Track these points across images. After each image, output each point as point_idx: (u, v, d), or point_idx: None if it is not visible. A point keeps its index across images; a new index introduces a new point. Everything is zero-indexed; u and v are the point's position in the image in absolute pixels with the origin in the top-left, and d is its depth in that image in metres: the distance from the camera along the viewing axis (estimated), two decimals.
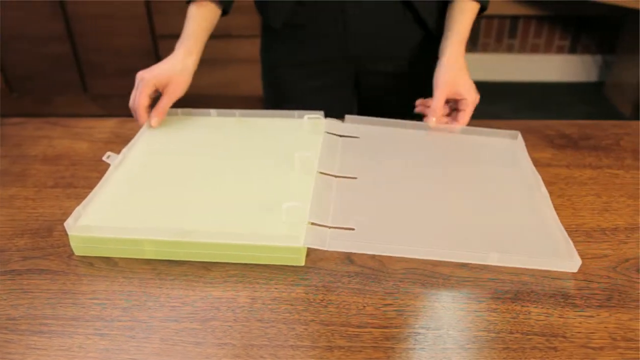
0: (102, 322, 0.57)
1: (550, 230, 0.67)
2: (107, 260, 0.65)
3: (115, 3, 2.25)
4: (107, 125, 0.94)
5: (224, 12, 0.95)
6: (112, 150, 0.87)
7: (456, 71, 0.86)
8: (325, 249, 0.63)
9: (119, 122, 0.95)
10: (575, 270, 0.62)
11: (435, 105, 0.85)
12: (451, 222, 0.68)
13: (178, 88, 0.87)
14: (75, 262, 0.65)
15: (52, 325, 0.57)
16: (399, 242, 0.63)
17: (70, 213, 0.73)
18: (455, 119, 0.87)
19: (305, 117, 0.86)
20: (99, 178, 0.80)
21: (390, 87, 1.04)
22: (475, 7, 0.91)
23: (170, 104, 0.87)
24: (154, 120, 0.85)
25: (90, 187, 0.78)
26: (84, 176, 0.81)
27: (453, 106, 0.89)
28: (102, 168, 0.82)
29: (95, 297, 0.60)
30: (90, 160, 0.85)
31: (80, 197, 0.76)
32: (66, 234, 0.69)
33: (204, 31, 0.91)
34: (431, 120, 0.85)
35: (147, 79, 0.84)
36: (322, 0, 0.92)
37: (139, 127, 0.86)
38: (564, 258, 0.63)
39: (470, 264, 0.64)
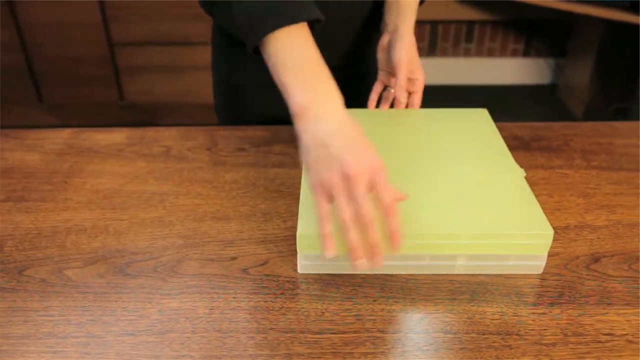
0: (55, 339, 0.56)
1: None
2: (61, 275, 0.64)
3: (70, 11, 2.20)
4: (61, 136, 0.92)
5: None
6: (65, 162, 0.85)
7: (413, 48, 0.85)
8: None
9: (73, 132, 0.93)
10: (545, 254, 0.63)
11: (402, 82, 0.84)
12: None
13: None
14: (26, 279, 0.63)
15: (2, 345, 0.55)
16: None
17: (22, 227, 0.71)
18: (409, 102, 0.86)
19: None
20: (52, 191, 0.78)
21: (357, 90, 1.03)
22: None
23: None
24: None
25: (43, 200, 0.76)
26: (36, 189, 0.79)
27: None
28: (55, 180, 0.80)
29: (48, 314, 0.59)
30: (42, 173, 0.82)
31: (32, 211, 0.74)
32: (17, 250, 0.67)
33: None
34: (400, 96, 0.84)
35: (384, 174, 0.54)
36: None
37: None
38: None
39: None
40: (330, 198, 0.53)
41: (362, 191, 0.52)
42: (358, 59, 1.00)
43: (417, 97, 0.87)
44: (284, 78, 0.56)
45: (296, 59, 0.56)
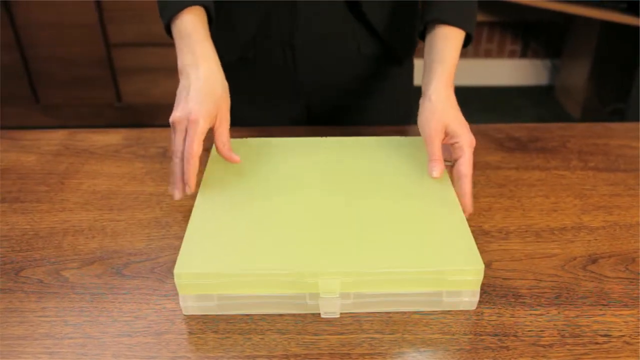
0: (51, 340, 0.56)
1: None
2: (57, 276, 0.63)
3: (66, 11, 2.20)
4: (56, 137, 0.92)
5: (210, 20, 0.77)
6: (61, 163, 0.85)
7: (446, 110, 0.70)
8: None
9: (69, 133, 0.93)
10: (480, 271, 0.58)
11: (433, 155, 0.69)
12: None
13: (228, 110, 0.71)
14: (23, 279, 0.63)
15: None
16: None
17: (18, 228, 0.71)
18: (454, 172, 0.69)
19: None
20: (48, 192, 0.78)
21: (343, 121, 1.01)
22: (459, 35, 0.76)
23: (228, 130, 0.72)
24: (235, 158, 0.71)
25: (39, 201, 0.76)
26: (32, 190, 0.78)
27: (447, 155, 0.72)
28: (51, 181, 0.80)
29: (45, 315, 0.58)
30: (38, 174, 0.82)
31: (28, 212, 0.74)
32: (13, 250, 0.67)
33: (209, 35, 0.74)
34: (437, 172, 0.69)
35: (201, 123, 0.65)
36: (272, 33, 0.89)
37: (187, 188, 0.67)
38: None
39: None
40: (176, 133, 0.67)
41: (180, 134, 0.66)
42: (337, 89, 0.97)
43: (462, 165, 0.68)
44: (176, 49, 0.72)
45: (183, 34, 0.72)
